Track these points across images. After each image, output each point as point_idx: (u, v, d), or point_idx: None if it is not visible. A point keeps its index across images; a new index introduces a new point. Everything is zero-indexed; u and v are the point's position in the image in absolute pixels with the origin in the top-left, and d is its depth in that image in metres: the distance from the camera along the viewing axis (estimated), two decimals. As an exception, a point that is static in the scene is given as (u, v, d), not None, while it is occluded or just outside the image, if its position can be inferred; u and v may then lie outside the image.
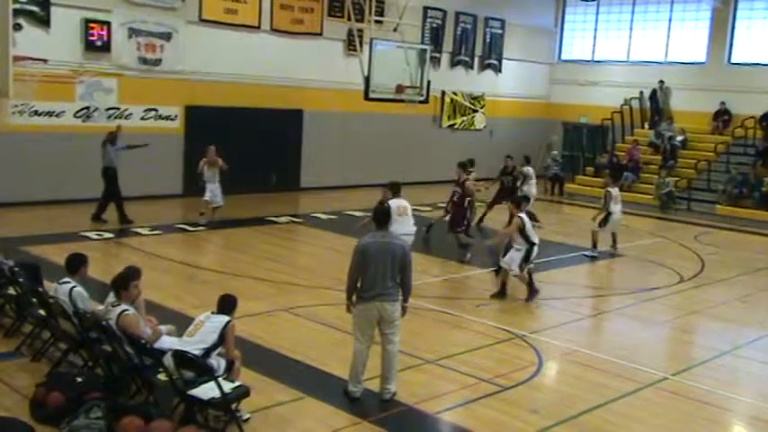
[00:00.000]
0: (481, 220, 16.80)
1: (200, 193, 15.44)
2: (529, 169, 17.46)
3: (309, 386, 7.50)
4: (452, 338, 9.36)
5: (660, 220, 19.70)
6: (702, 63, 24.61)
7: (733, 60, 24.10)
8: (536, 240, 11.11)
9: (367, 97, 17.15)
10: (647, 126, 24.87)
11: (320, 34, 20.50)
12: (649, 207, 20.94)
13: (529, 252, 11.01)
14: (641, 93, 24.91)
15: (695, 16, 24.81)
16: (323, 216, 17.13)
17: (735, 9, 23.96)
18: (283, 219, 16.59)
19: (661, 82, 24.48)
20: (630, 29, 26.26)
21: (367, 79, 16.81)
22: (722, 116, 23.51)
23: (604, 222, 14.48)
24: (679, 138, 23.43)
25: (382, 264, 7.01)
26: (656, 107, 24.77)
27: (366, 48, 17.39)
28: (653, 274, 13.63)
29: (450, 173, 18.18)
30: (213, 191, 15.21)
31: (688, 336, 10.77)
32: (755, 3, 23.68)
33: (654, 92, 24.66)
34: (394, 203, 10.54)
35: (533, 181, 17.30)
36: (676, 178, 21.80)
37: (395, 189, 11.32)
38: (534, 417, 7.18)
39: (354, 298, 7.18)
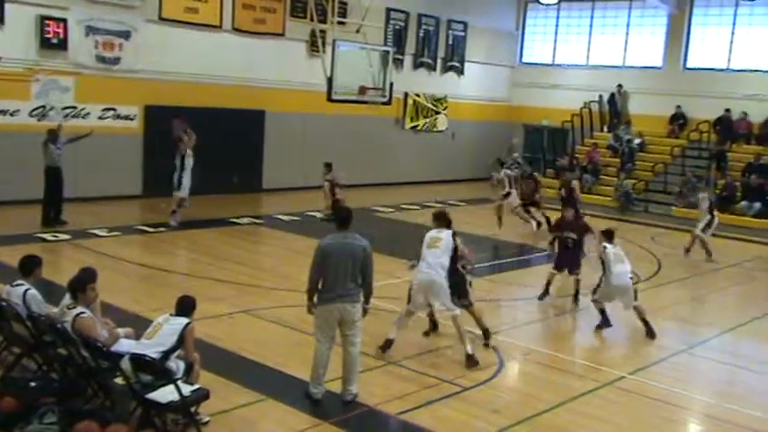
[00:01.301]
0: None
1: (166, 191, 15.19)
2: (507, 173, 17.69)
3: (270, 388, 7.45)
4: (414, 340, 9.35)
5: (619, 222, 19.98)
6: (659, 68, 25.06)
7: (688, 65, 24.59)
8: None
9: (330, 98, 17.10)
10: (605, 129, 25.24)
11: (282, 35, 20.40)
12: (608, 209, 21.24)
13: None
14: (600, 96, 25.27)
15: (652, 22, 25.26)
16: (284, 217, 17.04)
17: (690, 15, 24.45)
18: (244, 220, 16.46)
19: (619, 86, 24.85)
20: (590, 33, 26.64)
21: (330, 80, 16.76)
22: (678, 120, 23.98)
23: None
24: (637, 141, 23.83)
25: (343, 264, 6.99)
26: (614, 110, 25.15)
27: (329, 49, 17.35)
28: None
29: (412, 174, 18.32)
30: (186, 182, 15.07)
31: (645, 335, 10.92)
32: (710, 9, 24.19)
33: (612, 95, 25.04)
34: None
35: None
36: (634, 180, 22.15)
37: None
38: (495, 416, 7.23)
39: (315, 299, 7.15)
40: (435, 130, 25.61)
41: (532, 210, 17.28)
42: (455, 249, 8.65)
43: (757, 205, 19.79)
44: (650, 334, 9.97)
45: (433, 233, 8.75)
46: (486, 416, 7.23)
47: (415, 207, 19.44)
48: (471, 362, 8.41)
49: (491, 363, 8.66)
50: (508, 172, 17.76)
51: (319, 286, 7.10)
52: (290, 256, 13.68)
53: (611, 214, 20.86)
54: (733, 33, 23.65)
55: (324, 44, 17.96)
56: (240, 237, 15.16)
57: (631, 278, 10.22)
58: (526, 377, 8.80)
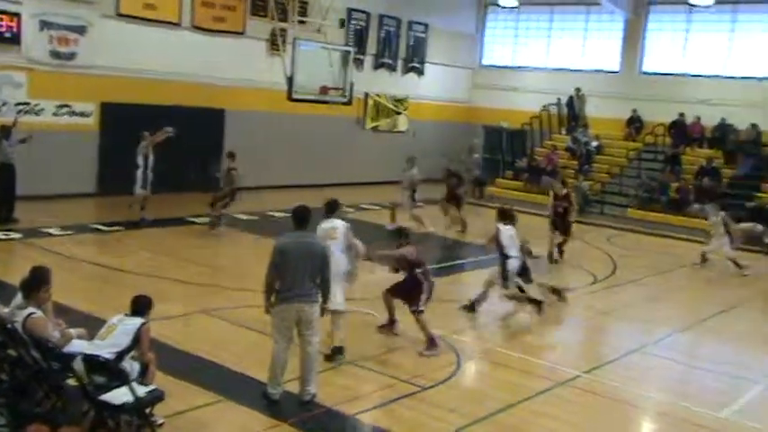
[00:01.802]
0: None
1: (122, 189, 14.95)
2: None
3: (227, 389, 7.38)
4: (372, 339, 9.36)
5: (576, 224, 20.23)
6: (616, 72, 25.48)
7: (644, 70, 25.04)
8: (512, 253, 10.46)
9: (290, 98, 17.03)
10: (564, 131, 25.55)
11: (242, 33, 20.22)
12: (566, 210, 21.48)
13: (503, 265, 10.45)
14: (559, 99, 25.56)
15: (609, 26, 25.66)
16: (243, 217, 16.90)
17: (646, 20, 24.91)
18: (202, 219, 16.28)
19: (577, 89, 25.18)
20: (549, 36, 26.97)
21: (290, 79, 16.70)
22: (634, 123, 24.39)
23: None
24: (594, 143, 24.16)
25: (302, 264, 6.97)
26: (572, 113, 25.47)
27: (289, 48, 17.27)
28: (569, 276, 13.99)
29: (373, 174, 18.32)
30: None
31: (600, 335, 11.11)
32: (665, 15, 24.67)
33: (571, 99, 25.34)
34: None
35: None
36: (591, 182, 22.46)
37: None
38: (452, 416, 7.26)
39: (273, 299, 7.10)
40: (396, 130, 25.67)
41: (452, 210, 17.26)
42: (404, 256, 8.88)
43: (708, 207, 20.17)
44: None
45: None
46: (443, 415, 7.26)
47: (375, 207, 19.45)
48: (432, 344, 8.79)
49: (449, 363, 8.70)
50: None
51: (277, 286, 7.05)
52: (248, 255, 13.57)
53: (569, 216, 21.13)
54: (687, 39, 24.16)
55: (284, 43, 17.89)
56: (198, 236, 15.00)
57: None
58: (483, 377, 8.88)
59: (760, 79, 22.58)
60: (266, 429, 6.70)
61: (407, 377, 8.10)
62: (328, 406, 7.20)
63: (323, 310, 7.31)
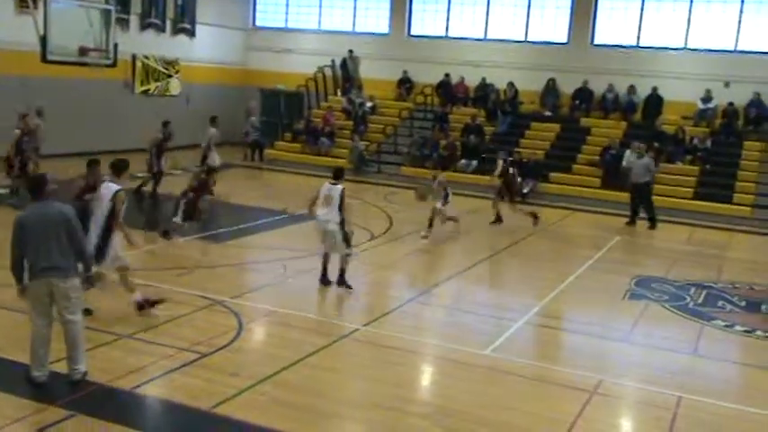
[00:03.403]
0: None
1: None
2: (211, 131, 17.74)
3: (-18, 377, 6.80)
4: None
5: (355, 183, 20.79)
6: (386, 34, 26.29)
7: (412, 33, 26.08)
8: None
9: (44, 59, 15.69)
10: (339, 93, 25.99)
11: (-16, -13, 18.28)
12: (345, 171, 21.93)
13: None
14: (333, 61, 25.90)
15: (378, -11, 26.36)
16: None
17: (411, -16, 25.90)
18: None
19: (350, 51, 25.66)
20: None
21: (43, 39, 15.37)
22: (405, 84, 25.39)
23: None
24: (368, 104, 24.84)
25: (44, 236, 6.51)
26: (346, 75, 25.94)
27: (41, 5, 15.84)
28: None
29: (145, 139, 17.47)
30: None
31: (378, 288, 11.57)
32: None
33: (344, 60, 25.79)
34: None
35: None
36: (367, 142, 23.13)
37: None
38: (235, 379, 7.22)
39: (26, 277, 6.59)
40: (168, 94, 24.68)
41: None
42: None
43: (474, 163, 21.65)
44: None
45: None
46: (225, 380, 7.20)
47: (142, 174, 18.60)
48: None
49: (230, 327, 8.63)
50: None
51: (26, 262, 6.56)
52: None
53: (347, 175, 21.55)
54: (450, 4, 25.43)
55: (35, 0, 16.37)
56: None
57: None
58: (266, 338, 8.92)
59: (517, 42, 24.42)
60: (32, 414, 6.25)
61: (187, 345, 7.93)
62: (102, 382, 6.86)
63: (88, 280, 6.89)
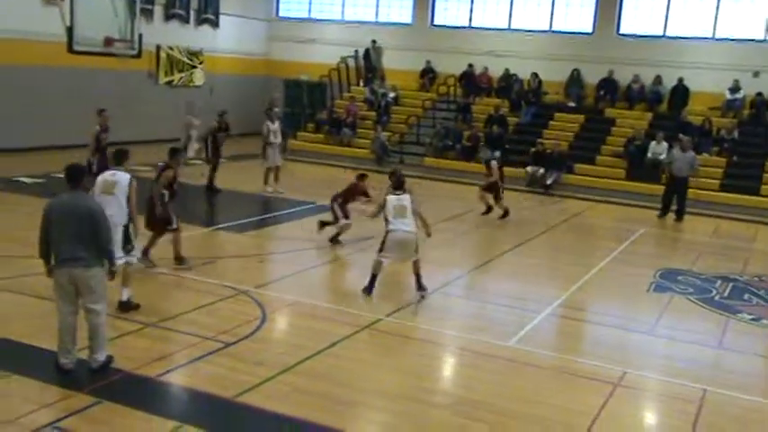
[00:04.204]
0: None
1: None
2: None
3: (15, 364, 6.92)
4: (174, 299, 9.14)
5: (376, 173, 20.78)
6: (409, 24, 26.20)
7: (435, 23, 25.96)
8: None
9: (71, 50, 15.83)
10: (362, 83, 25.96)
11: (12, -21, 18.46)
12: (366, 161, 22.00)
13: None
14: (356, 51, 25.87)
15: (402, -21, 26.28)
16: (27, 180, 15.65)
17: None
18: (-25, 185, 14.90)
19: (373, 41, 25.61)
20: (344, -12, 27.12)
21: (70, 30, 15.50)
22: (428, 74, 25.30)
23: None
24: (391, 95, 24.79)
25: (66, 226, 6.57)
26: (369, 65, 25.90)
27: (67, -4, 15.98)
28: (369, 224, 14.32)
29: (169, 131, 17.69)
30: None
31: (402, 279, 11.54)
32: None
33: (367, 51, 25.75)
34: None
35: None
36: (389, 133, 23.09)
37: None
38: (259, 368, 7.27)
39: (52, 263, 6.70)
40: (192, 84, 24.81)
41: None
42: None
43: (498, 154, 21.51)
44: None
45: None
46: (249, 369, 7.26)
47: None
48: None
49: (254, 317, 8.68)
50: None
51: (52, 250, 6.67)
52: (31, 220, 12.53)
53: (369, 166, 21.64)
54: (473, -6, 25.33)
55: (62, -9, 16.50)
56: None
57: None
58: (289, 328, 8.97)
59: (541, 32, 24.23)
60: (60, 400, 6.34)
61: (212, 335, 7.99)
62: (128, 370, 6.94)
63: (112, 274, 6.94)
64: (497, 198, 15.60)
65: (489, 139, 21.76)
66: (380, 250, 9.94)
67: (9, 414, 6.01)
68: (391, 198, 10.00)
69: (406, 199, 9.98)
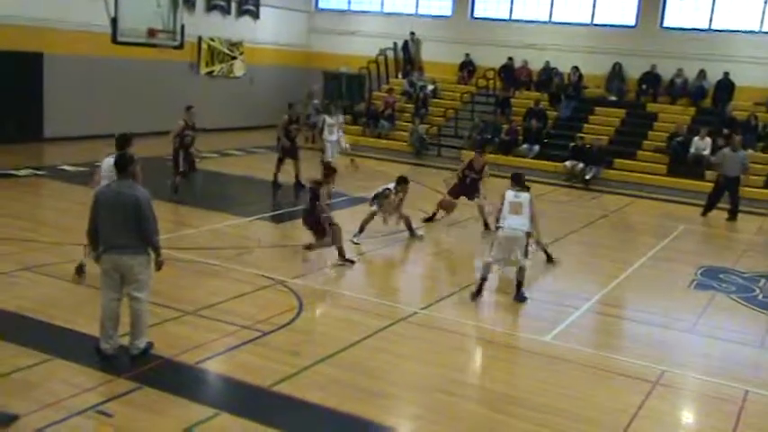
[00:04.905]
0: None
1: None
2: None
3: (57, 348, 7.05)
4: (212, 288, 9.22)
5: (415, 166, 20.76)
6: (449, 17, 26.05)
7: (475, 15, 25.77)
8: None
9: (115, 41, 16.05)
10: (400, 76, 25.91)
11: (59, -31, 18.75)
12: (404, 153, 21.99)
13: None
14: (395, 43, 25.82)
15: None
16: (69, 168, 15.93)
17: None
18: (24, 172, 15.19)
19: (412, 33, 25.52)
20: (384, -20, 27.05)
21: (114, 21, 15.70)
22: (467, 67, 25.15)
23: None
24: (429, 87, 24.70)
25: (112, 215, 6.67)
26: (408, 57, 25.84)
27: (112, -13, 16.19)
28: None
29: (209, 121, 17.82)
30: None
31: (437, 272, 11.54)
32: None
33: (406, 43, 25.69)
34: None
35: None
36: (427, 125, 23.03)
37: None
38: (295, 358, 7.32)
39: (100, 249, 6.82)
40: (232, 75, 25.00)
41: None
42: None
43: (536, 148, 21.35)
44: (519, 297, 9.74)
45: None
46: (285, 358, 7.31)
47: (214, 155, 18.96)
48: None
49: (291, 307, 8.74)
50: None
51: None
52: (74, 208, 12.73)
53: (407, 158, 21.66)
54: (515, -15, 25.07)
55: (106, -18, 16.71)
56: (19, 189, 14.01)
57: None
58: (325, 319, 9.00)
59: (583, 25, 23.92)
60: (100, 385, 6.46)
61: (249, 323, 8.06)
62: (167, 357, 7.04)
63: (158, 264, 7.01)
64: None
65: (528, 132, 21.57)
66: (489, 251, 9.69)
67: (52, 397, 6.14)
68: (509, 193, 9.70)
69: (524, 197, 9.66)
